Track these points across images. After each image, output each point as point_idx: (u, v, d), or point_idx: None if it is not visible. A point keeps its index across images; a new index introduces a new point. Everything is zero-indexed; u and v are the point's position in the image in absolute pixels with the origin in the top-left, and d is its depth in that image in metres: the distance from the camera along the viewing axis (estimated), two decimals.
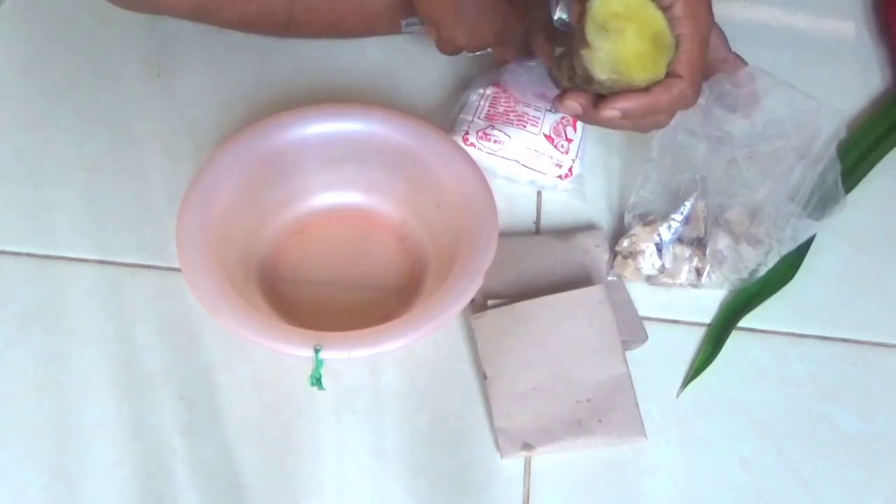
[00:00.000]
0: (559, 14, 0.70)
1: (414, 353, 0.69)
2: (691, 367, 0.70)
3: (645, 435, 0.66)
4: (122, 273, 0.73)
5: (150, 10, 0.84)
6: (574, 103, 0.65)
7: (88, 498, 0.63)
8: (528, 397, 0.66)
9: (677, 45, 0.62)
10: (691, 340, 0.72)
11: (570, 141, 0.79)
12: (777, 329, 0.73)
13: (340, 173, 0.75)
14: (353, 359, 0.65)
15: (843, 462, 0.67)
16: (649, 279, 0.74)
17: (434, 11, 0.75)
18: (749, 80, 0.72)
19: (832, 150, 0.73)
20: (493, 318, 0.69)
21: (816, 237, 0.75)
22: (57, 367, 0.68)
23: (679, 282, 0.73)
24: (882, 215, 0.80)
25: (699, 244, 0.73)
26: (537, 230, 0.77)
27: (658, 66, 0.62)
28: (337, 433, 0.66)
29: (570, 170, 0.78)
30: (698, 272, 0.73)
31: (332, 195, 0.76)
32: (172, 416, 0.66)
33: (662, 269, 0.73)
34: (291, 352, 0.63)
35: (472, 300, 0.66)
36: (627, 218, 0.74)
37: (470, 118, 0.80)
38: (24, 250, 0.74)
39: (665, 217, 0.73)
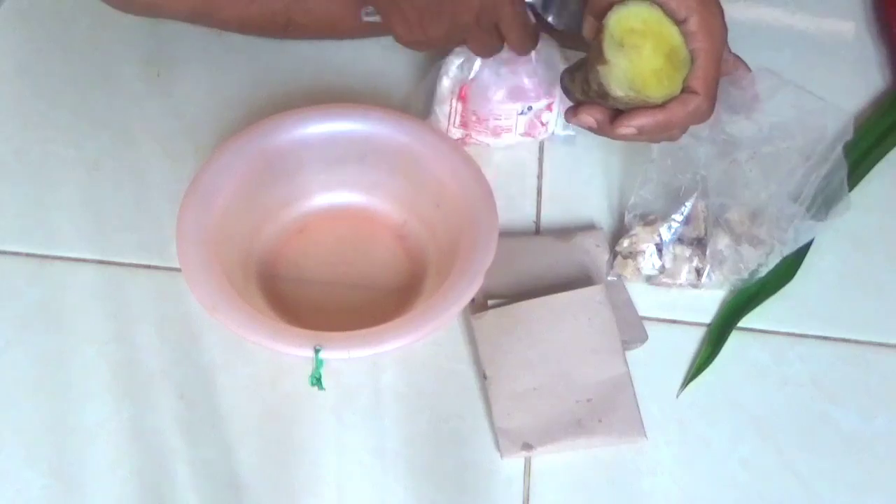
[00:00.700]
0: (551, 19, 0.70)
1: (414, 353, 0.69)
2: (691, 367, 0.70)
3: (645, 435, 0.66)
4: (122, 273, 0.73)
5: (148, 12, 0.84)
6: (589, 118, 0.64)
7: (88, 498, 0.63)
8: (528, 397, 0.66)
9: (692, 60, 0.62)
10: (691, 340, 0.72)
11: (545, 125, 0.80)
12: (777, 329, 0.73)
13: (340, 173, 0.75)
14: (353, 359, 0.65)
15: (843, 462, 0.67)
16: (649, 279, 0.74)
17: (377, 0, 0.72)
18: (751, 84, 0.72)
19: (838, 151, 0.72)
20: (493, 318, 0.69)
21: (817, 237, 0.75)
22: (57, 367, 0.68)
23: (679, 282, 0.73)
24: (883, 215, 0.80)
25: (699, 244, 0.73)
26: (537, 230, 0.77)
27: (674, 82, 0.62)
28: (337, 433, 0.66)
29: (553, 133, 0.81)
30: (698, 272, 0.73)
31: (332, 195, 0.76)
32: (172, 416, 0.66)
33: (662, 269, 0.73)
34: (291, 352, 0.63)
35: (472, 300, 0.66)
36: (627, 218, 0.74)
37: (446, 125, 0.79)
38: (24, 250, 0.74)
39: (665, 217, 0.73)
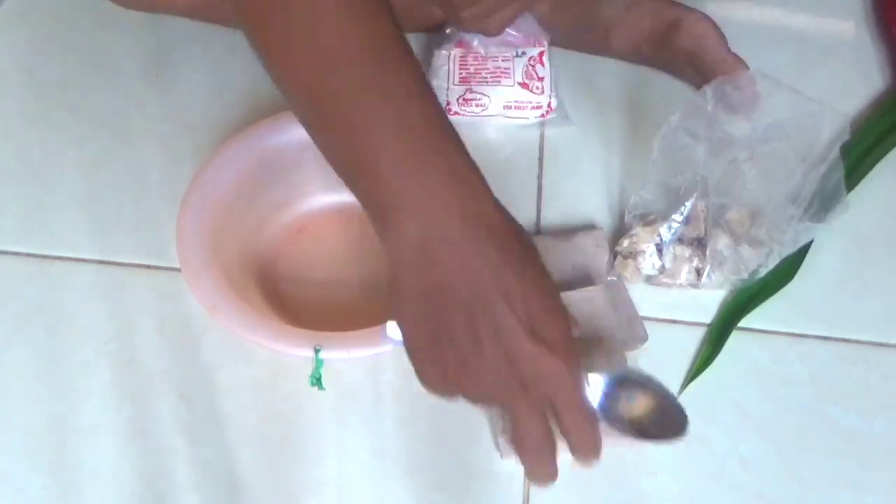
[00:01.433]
0: None
1: None
2: (691, 367, 0.70)
3: None
4: (122, 273, 0.73)
5: (149, 7, 0.84)
6: None
7: (88, 498, 0.63)
8: None
9: None
10: (691, 340, 0.72)
11: (541, 79, 0.82)
12: (777, 329, 0.73)
13: None
14: (353, 359, 0.65)
15: (843, 462, 0.67)
16: (649, 279, 0.74)
17: None
18: (750, 83, 0.72)
19: (835, 153, 0.72)
20: None
21: (817, 237, 0.75)
22: (57, 367, 0.68)
23: (679, 282, 0.73)
24: (882, 215, 0.80)
25: (699, 244, 0.73)
26: (537, 230, 0.77)
27: None
28: (337, 433, 0.66)
29: (549, 105, 0.82)
30: (698, 272, 0.73)
31: (332, 195, 0.76)
32: (172, 416, 0.66)
33: (662, 270, 0.73)
34: (291, 352, 0.63)
35: None
36: (627, 218, 0.74)
37: (445, 85, 0.80)
38: (24, 250, 0.74)
39: (665, 217, 0.73)
